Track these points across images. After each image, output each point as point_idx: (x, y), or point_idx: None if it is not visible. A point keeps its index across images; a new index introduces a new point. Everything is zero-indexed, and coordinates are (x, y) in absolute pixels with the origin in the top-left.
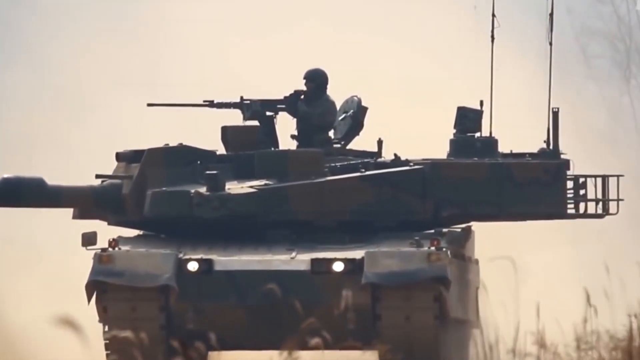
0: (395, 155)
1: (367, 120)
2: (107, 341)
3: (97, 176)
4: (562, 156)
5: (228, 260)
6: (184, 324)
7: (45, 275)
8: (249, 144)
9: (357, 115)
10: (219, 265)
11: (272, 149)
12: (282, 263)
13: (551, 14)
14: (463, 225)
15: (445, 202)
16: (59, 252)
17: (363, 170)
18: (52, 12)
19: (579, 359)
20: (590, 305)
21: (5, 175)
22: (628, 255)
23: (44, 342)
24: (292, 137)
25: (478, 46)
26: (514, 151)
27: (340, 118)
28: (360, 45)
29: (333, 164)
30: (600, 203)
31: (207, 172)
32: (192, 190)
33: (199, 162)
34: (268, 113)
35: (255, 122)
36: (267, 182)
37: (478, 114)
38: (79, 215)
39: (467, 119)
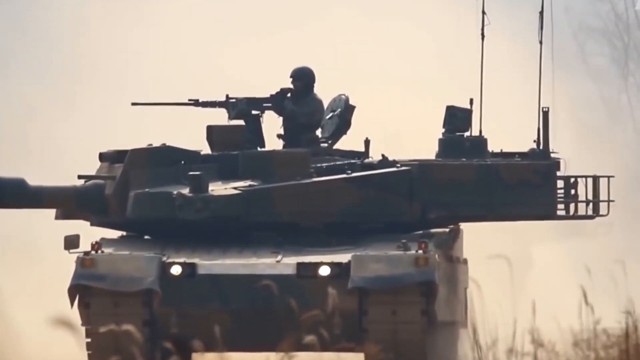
0: (382, 155)
1: (355, 119)
2: (89, 340)
3: (80, 176)
4: (554, 156)
5: (212, 264)
6: (168, 328)
7: (43, 275)
8: (234, 144)
9: (344, 114)
10: (202, 269)
11: (259, 148)
12: (268, 267)
13: (541, 12)
14: (451, 225)
15: (433, 204)
16: (54, 251)
17: (349, 171)
18: (34, 12)
19: (576, 357)
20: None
21: None
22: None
23: (41, 342)
24: (279, 136)
25: (469, 44)
26: (504, 150)
27: (327, 117)
28: (348, 44)
29: (319, 165)
30: (591, 204)
31: (190, 173)
32: (175, 192)
33: (182, 162)
34: (254, 112)
35: (241, 122)
36: (251, 183)
37: (467, 113)
38: (62, 215)
39: (456, 118)
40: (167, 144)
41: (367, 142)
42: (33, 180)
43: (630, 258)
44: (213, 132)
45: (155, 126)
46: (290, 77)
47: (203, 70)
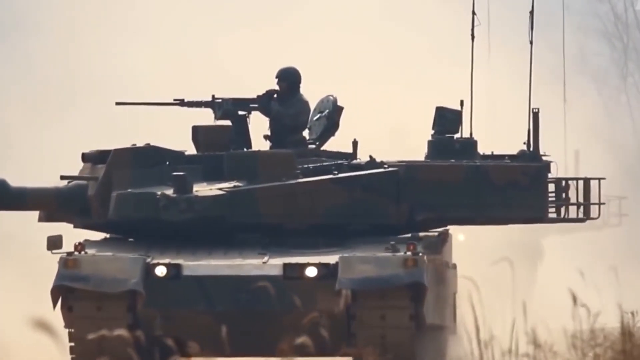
0: (370, 157)
1: (343, 120)
2: (73, 344)
3: (62, 177)
4: (545, 158)
5: (197, 265)
6: (152, 331)
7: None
8: (220, 145)
9: (332, 115)
10: (187, 270)
11: (245, 149)
12: (253, 268)
13: (531, 12)
14: (440, 230)
15: (420, 206)
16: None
17: (336, 172)
18: (16, 12)
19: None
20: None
21: None
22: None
23: (23, 344)
24: (265, 137)
25: (459, 44)
26: (495, 153)
27: (315, 118)
28: (336, 44)
29: (305, 166)
30: (582, 207)
31: (174, 173)
32: (159, 192)
33: (167, 163)
34: (240, 112)
35: (228, 122)
36: (236, 183)
37: (457, 114)
38: (45, 218)
39: (446, 119)
40: (151, 144)
41: (355, 143)
42: (15, 182)
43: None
44: (198, 133)
45: (139, 126)
46: (276, 77)
47: (189, 70)
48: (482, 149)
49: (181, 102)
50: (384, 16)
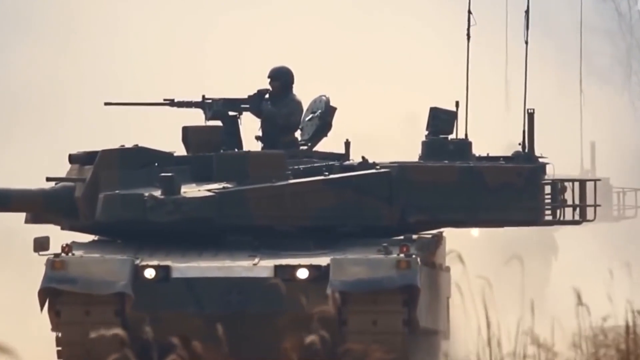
0: (362, 157)
1: (336, 120)
2: (60, 348)
3: (48, 179)
4: (542, 160)
5: (186, 267)
6: (141, 334)
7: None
8: (211, 145)
9: (325, 115)
10: (176, 273)
11: (236, 150)
12: (244, 270)
13: (527, 11)
14: (434, 232)
15: (412, 208)
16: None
17: (327, 173)
18: (4, 12)
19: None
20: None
21: None
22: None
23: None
24: (257, 138)
25: (455, 44)
26: (490, 154)
27: (307, 118)
28: (330, 43)
29: (296, 167)
30: (578, 209)
31: (162, 174)
32: (146, 194)
33: (156, 164)
34: (231, 113)
35: (218, 123)
36: (226, 185)
37: (451, 115)
38: (32, 219)
39: (440, 120)
40: (140, 145)
41: (347, 144)
42: (1, 183)
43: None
44: (189, 133)
45: (129, 127)
46: (268, 77)
47: (179, 70)
48: (479, 150)
49: (171, 102)
50: (378, 16)
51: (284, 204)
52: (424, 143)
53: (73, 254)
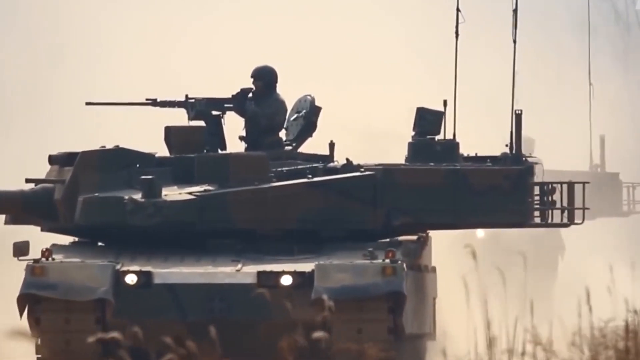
0: (347, 159)
1: (321, 121)
2: (40, 355)
3: (28, 180)
4: (531, 160)
5: (168, 273)
6: (120, 340)
7: None
8: (193, 146)
9: (309, 115)
10: (158, 278)
11: (220, 151)
12: (227, 276)
13: (515, 10)
14: (417, 233)
15: (397, 211)
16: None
17: (310, 176)
18: None
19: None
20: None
21: None
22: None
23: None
24: (241, 138)
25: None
26: (479, 155)
27: (292, 118)
28: (315, 42)
29: (279, 169)
30: (566, 211)
31: (142, 176)
32: (126, 197)
33: (137, 165)
34: (215, 113)
35: (201, 123)
36: (207, 187)
37: (438, 115)
38: (12, 221)
39: (427, 120)
40: (121, 146)
41: (331, 145)
42: None
43: None
44: (171, 134)
45: (110, 127)
46: (251, 76)
47: (162, 69)
48: (467, 150)
49: (153, 102)
50: (363, 13)
51: (267, 208)
52: (410, 144)
53: (53, 259)
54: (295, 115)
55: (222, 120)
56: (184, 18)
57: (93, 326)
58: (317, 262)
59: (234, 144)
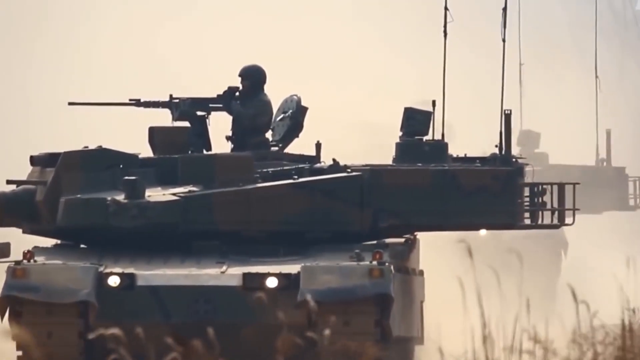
0: (333, 160)
1: (308, 121)
2: (20, 354)
3: (9, 182)
4: (521, 161)
5: (152, 275)
6: (105, 343)
7: None
8: (178, 147)
9: (296, 115)
10: (141, 280)
11: (205, 151)
12: (211, 278)
13: (504, 9)
14: (407, 235)
15: (385, 212)
16: None
17: (296, 176)
18: None
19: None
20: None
21: None
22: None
23: None
24: (227, 138)
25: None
26: (469, 155)
27: (278, 118)
28: (302, 41)
29: (265, 170)
30: (557, 212)
31: (125, 177)
32: (109, 198)
33: (120, 166)
34: (200, 113)
35: (186, 123)
36: (191, 188)
37: (426, 115)
38: None
39: (415, 120)
40: (104, 147)
41: (318, 146)
42: None
43: None
44: (155, 134)
45: (93, 128)
46: (239, 75)
47: (146, 68)
48: (456, 151)
49: (137, 102)
50: (351, 13)
51: (252, 209)
52: (398, 144)
53: (35, 261)
54: (281, 116)
55: (207, 120)
56: (169, 17)
57: (76, 329)
58: (303, 264)
59: (220, 145)
